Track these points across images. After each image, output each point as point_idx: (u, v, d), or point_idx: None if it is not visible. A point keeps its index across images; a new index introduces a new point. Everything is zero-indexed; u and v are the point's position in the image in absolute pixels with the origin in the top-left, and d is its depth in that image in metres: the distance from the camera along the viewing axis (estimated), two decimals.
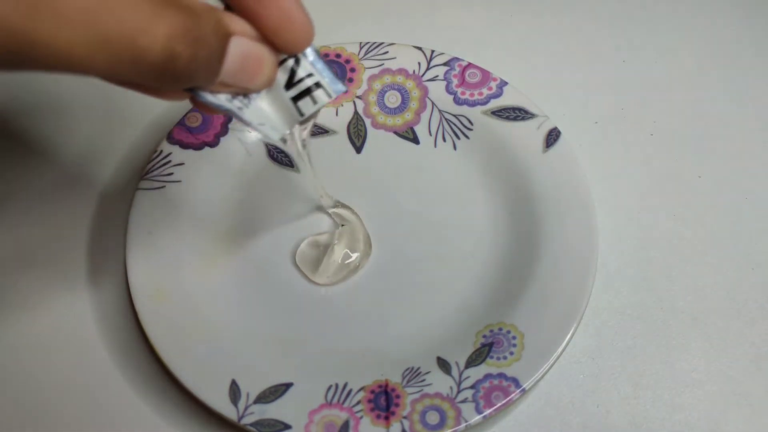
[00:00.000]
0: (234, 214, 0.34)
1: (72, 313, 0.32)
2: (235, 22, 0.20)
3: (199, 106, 0.23)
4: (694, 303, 0.33)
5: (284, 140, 0.25)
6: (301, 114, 0.23)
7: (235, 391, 0.28)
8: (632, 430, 0.30)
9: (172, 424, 0.30)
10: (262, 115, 0.23)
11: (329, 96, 0.23)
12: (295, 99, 0.23)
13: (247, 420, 0.27)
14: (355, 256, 0.33)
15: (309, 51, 0.23)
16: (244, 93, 0.22)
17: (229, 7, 0.21)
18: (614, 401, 0.30)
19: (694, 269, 0.33)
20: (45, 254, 0.34)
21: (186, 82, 0.19)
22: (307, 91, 0.23)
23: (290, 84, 0.23)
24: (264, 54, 0.21)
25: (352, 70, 0.36)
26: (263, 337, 0.31)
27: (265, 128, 0.23)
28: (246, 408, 0.28)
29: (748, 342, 0.32)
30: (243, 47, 0.20)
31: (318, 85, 0.23)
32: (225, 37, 0.19)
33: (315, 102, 0.23)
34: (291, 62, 0.23)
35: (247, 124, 0.23)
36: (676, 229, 0.35)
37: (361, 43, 0.36)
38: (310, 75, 0.23)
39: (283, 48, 0.22)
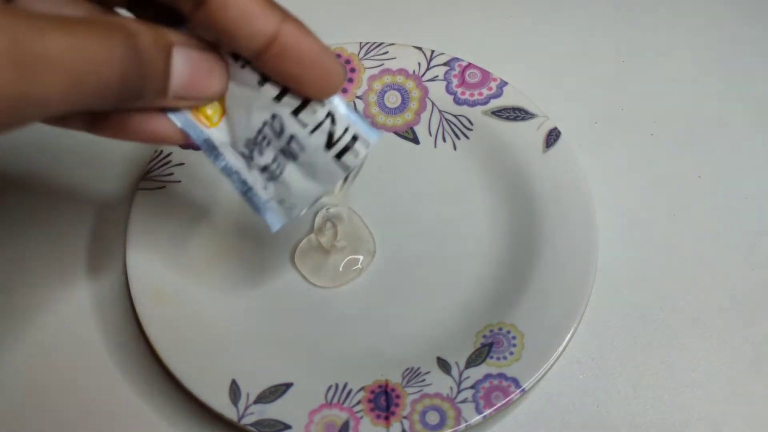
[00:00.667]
0: (234, 214, 0.34)
1: (72, 313, 0.32)
2: (174, 35, 0.21)
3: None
4: (694, 303, 0.33)
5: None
6: (347, 169, 0.23)
7: (235, 391, 0.28)
8: (632, 430, 0.30)
9: (172, 424, 0.30)
10: (291, 187, 0.23)
11: (367, 146, 0.23)
12: (338, 156, 0.23)
13: (247, 420, 0.27)
14: (360, 260, 0.33)
15: (340, 104, 0.23)
16: (203, 104, 0.23)
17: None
18: (614, 401, 0.30)
19: (694, 269, 0.33)
20: (45, 254, 0.34)
21: (138, 97, 0.20)
22: (346, 148, 0.23)
23: (330, 144, 0.23)
24: (211, 60, 0.21)
25: (352, 70, 0.36)
26: (263, 337, 0.31)
27: (282, 207, 0.24)
28: (246, 408, 0.28)
29: (748, 342, 0.32)
30: (187, 56, 0.21)
31: (354, 138, 0.23)
32: (166, 48, 0.20)
33: (357, 155, 0.23)
34: (328, 123, 0.23)
35: (259, 203, 0.23)
36: (676, 229, 0.35)
37: (361, 43, 0.36)
38: (346, 129, 0.23)
39: (319, 96, 0.22)
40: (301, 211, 0.24)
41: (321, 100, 0.22)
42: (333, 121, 0.23)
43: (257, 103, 0.22)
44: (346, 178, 0.25)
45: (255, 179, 0.23)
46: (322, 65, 0.21)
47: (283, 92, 0.22)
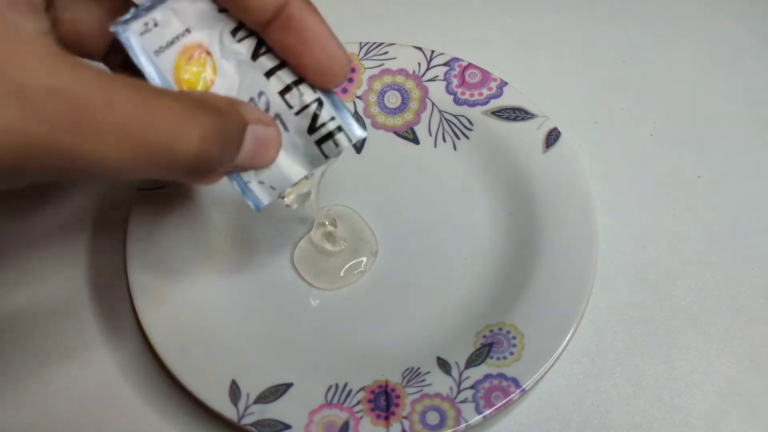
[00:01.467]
0: (234, 214, 0.34)
1: (72, 314, 0.32)
2: (249, 111, 0.21)
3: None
4: (694, 303, 0.33)
5: (284, 197, 0.26)
6: (326, 156, 0.24)
7: (235, 391, 0.28)
8: (632, 430, 0.30)
9: (172, 424, 0.30)
10: (271, 168, 0.23)
11: (350, 140, 0.23)
12: (319, 142, 0.23)
13: (247, 420, 0.27)
14: (363, 263, 0.33)
15: (334, 96, 0.23)
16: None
17: (262, 42, 0.22)
18: (614, 401, 0.30)
19: (694, 269, 0.33)
20: (45, 255, 0.34)
21: (210, 172, 0.20)
22: (329, 135, 0.23)
23: (312, 129, 0.23)
24: (273, 135, 0.22)
25: (352, 70, 0.36)
26: (263, 337, 0.31)
27: (263, 187, 0.23)
28: (246, 408, 0.28)
29: (748, 342, 0.32)
30: (257, 132, 0.21)
31: (340, 128, 0.23)
32: (243, 127, 0.21)
33: (337, 145, 0.23)
34: (314, 107, 0.23)
35: (241, 186, 0.23)
36: (676, 229, 0.35)
37: (361, 43, 0.36)
38: (332, 118, 0.23)
39: (321, 83, 0.23)
40: (282, 192, 0.24)
41: (322, 86, 0.23)
42: (320, 106, 0.23)
43: (246, 81, 0.23)
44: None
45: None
46: (324, 45, 0.22)
47: (276, 68, 0.23)
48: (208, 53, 0.22)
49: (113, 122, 0.16)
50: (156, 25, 0.21)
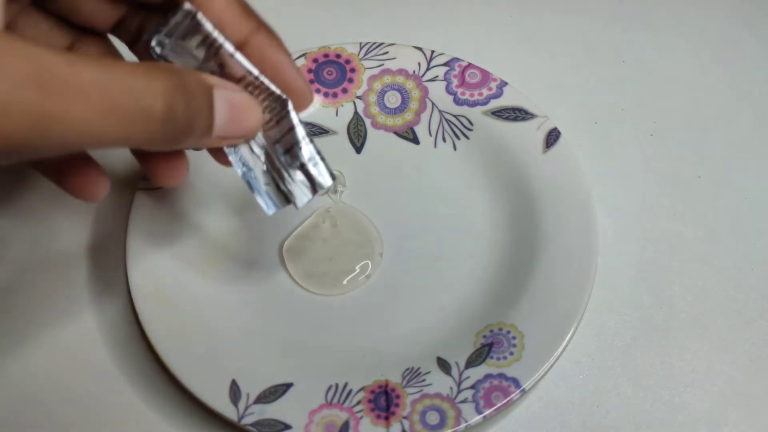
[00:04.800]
0: (234, 214, 0.34)
1: (72, 313, 0.32)
2: (209, 78, 0.22)
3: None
4: (694, 303, 0.33)
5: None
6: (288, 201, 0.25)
7: (235, 391, 0.28)
8: (632, 430, 0.30)
9: (172, 424, 0.30)
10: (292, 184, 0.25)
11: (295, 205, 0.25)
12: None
13: (247, 420, 0.27)
14: (370, 267, 0.32)
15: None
16: (243, 141, 0.24)
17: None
18: (614, 401, 0.30)
19: (694, 269, 0.33)
20: (45, 254, 0.34)
21: (187, 134, 0.21)
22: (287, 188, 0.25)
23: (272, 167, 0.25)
24: (247, 99, 0.23)
25: (352, 70, 0.36)
26: (263, 337, 0.31)
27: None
28: (246, 408, 0.28)
29: (748, 342, 0.32)
30: (226, 96, 0.22)
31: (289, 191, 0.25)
32: (208, 89, 0.21)
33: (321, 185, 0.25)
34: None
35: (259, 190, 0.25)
36: (676, 229, 0.35)
37: (361, 43, 0.36)
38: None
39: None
40: (298, 202, 0.25)
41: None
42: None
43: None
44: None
45: (256, 164, 0.24)
46: (285, 79, 0.23)
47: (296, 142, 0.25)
48: None
49: (77, 80, 0.16)
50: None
